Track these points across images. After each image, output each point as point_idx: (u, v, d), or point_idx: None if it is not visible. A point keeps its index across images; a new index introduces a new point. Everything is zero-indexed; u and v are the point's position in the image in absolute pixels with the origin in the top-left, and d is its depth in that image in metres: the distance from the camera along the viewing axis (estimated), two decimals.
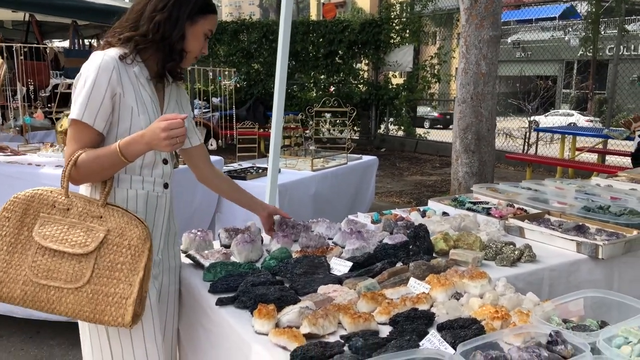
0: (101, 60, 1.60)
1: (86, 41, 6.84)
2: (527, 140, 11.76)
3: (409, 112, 12.65)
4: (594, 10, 16.72)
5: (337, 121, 8.51)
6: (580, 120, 20.84)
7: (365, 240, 2.15)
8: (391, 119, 12.72)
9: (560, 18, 28.45)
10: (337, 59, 12.45)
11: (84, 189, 1.72)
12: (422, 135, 12.33)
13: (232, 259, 2.05)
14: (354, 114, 4.91)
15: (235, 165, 4.20)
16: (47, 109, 4.86)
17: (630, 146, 7.75)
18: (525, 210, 2.61)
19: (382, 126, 12.91)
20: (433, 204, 2.82)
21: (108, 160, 1.59)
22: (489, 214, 2.56)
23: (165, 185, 1.81)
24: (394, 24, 12.06)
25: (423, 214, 2.63)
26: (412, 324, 1.45)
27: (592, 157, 8.75)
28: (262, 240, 2.20)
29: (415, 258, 1.96)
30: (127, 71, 1.64)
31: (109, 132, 1.66)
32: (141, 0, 1.71)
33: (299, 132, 5.01)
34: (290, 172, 4.04)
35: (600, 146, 8.11)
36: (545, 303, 1.51)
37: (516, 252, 2.03)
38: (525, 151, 11.36)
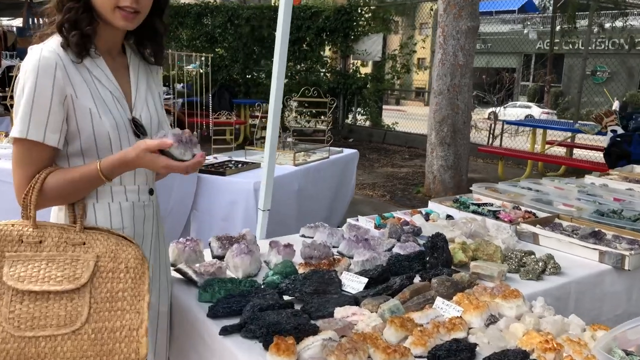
0: (39, 58, 1.27)
1: (41, 19, 6.32)
2: (492, 132, 11.82)
3: (377, 102, 12.49)
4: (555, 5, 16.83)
5: (304, 111, 8.24)
6: (537, 112, 21.26)
7: (374, 250, 1.95)
8: (359, 109, 12.53)
9: (520, 11, 28.95)
10: (304, 45, 12.13)
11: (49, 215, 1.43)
12: (390, 126, 12.21)
13: (228, 272, 1.81)
14: (334, 105, 4.69)
15: (210, 159, 3.91)
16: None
17: (599, 141, 7.86)
18: (534, 214, 2.46)
19: (350, 116, 12.72)
20: (434, 206, 2.64)
21: (86, 184, 1.34)
22: (496, 218, 2.40)
23: (151, 192, 1.54)
24: (363, 12, 11.84)
25: (426, 217, 2.45)
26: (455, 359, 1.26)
27: (559, 151, 8.83)
28: (258, 249, 1.96)
29: (435, 271, 1.77)
30: (75, 66, 1.33)
31: (70, 143, 1.35)
32: None
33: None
34: None
35: (569, 140, 8.18)
36: (602, 331, 1.34)
37: (540, 264, 1.87)
38: (490, 143, 11.41)
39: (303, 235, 2.27)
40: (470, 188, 2.85)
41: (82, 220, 1.36)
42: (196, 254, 1.87)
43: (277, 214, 3.35)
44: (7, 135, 3.33)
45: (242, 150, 4.30)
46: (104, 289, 1.28)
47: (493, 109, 13.19)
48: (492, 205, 2.59)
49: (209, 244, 1.98)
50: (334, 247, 2.07)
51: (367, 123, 12.71)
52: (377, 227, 2.30)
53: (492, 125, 11.91)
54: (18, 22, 9.03)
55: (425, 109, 18.19)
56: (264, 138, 4.71)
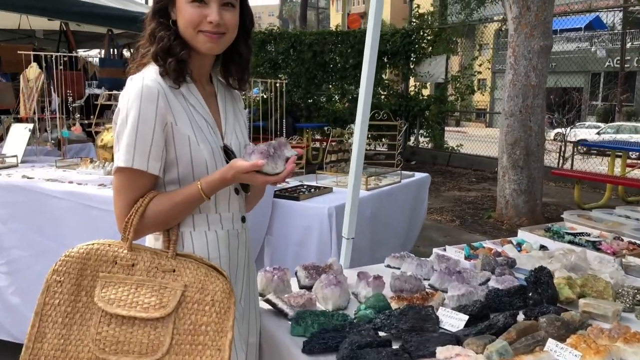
0: (141, 87, 1.28)
1: (124, 51, 6.65)
2: (562, 155, 11.31)
3: (440, 123, 12.27)
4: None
5: (369, 134, 8.17)
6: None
7: (469, 284, 1.84)
8: (421, 131, 12.34)
9: (586, 29, 27.92)
10: None
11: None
12: (455, 148, 11.94)
13: (317, 304, 1.75)
14: (405, 127, 4.60)
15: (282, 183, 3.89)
16: (81, 120, 4.63)
17: None
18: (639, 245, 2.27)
19: (412, 138, 12.56)
20: (524, 235, 2.48)
21: (187, 207, 1.35)
22: (597, 249, 2.22)
23: (243, 219, 1.53)
24: (426, 34, 11.74)
25: (518, 247, 2.30)
26: None
27: None
28: (346, 280, 1.89)
29: (541, 309, 1.64)
30: (174, 93, 1.34)
31: (168, 171, 1.35)
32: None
33: (346, 146, 4.70)
34: (343, 191, 3.72)
35: None
36: None
37: None
38: (560, 165, 10.92)
39: (388, 266, 2.18)
40: (562, 216, 2.67)
41: (174, 246, 1.35)
42: (284, 283, 1.82)
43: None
44: (92, 161, 3.45)
45: (313, 175, 4.28)
46: (187, 320, 1.26)
47: (560, 129, 12.65)
48: (589, 235, 2.41)
49: (295, 273, 1.94)
50: (424, 279, 1.97)
51: (430, 145, 12.50)
52: (467, 257, 2.18)
53: (562, 147, 11.41)
54: (94, 52, 9.56)
55: (486, 130, 17.72)
56: (333, 162, 4.69)
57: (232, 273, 1.47)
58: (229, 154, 1.44)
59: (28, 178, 3.07)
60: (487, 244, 2.35)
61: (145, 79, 1.30)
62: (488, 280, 1.95)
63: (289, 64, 12.50)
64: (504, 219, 6.47)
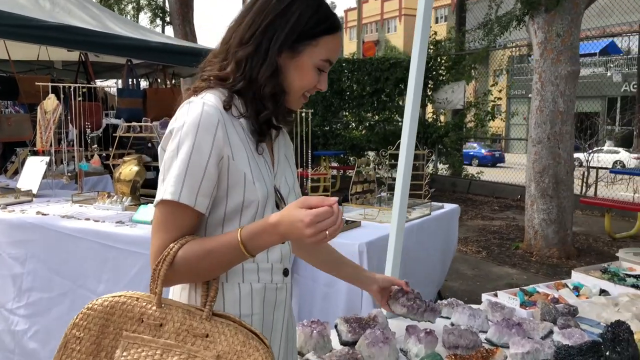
0: (201, 113, 1.12)
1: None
2: (585, 181, 11.02)
3: (459, 150, 12.09)
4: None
5: (382, 161, 8.00)
6: (629, 158, 19.82)
7: (533, 339, 1.63)
8: (440, 158, 12.16)
9: (601, 54, 27.76)
10: (383, 96, 12.04)
11: (178, 291, 1.24)
12: (475, 176, 11.72)
13: None
14: (432, 156, 4.41)
15: None
16: (99, 152, 4.54)
17: None
18: None
19: (430, 165, 12.37)
20: (580, 277, 2.27)
21: (224, 257, 1.13)
22: None
23: (285, 272, 1.32)
24: (443, 61, 11.66)
25: (576, 292, 2.09)
26: None
27: None
28: (394, 336, 1.69)
29: None
30: (233, 124, 1.17)
31: (213, 211, 1.18)
32: (233, 24, 1.26)
33: (371, 176, 4.51)
34: (371, 225, 3.53)
35: None
36: None
37: None
38: (583, 193, 10.62)
39: None
40: (617, 254, 2.45)
41: (211, 305, 1.16)
42: (324, 339, 1.63)
43: None
44: (109, 195, 3.31)
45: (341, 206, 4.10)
46: None
47: (578, 155, 12.39)
48: None
49: (335, 326, 1.74)
50: (480, 331, 1.76)
51: (449, 172, 12.30)
52: (522, 305, 1.97)
53: (586, 174, 11.13)
54: (110, 82, 9.60)
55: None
56: (359, 193, 4.50)
57: (266, 334, 1.27)
58: (278, 198, 1.27)
59: (43, 214, 2.94)
60: (542, 288, 2.13)
61: (205, 105, 1.14)
62: (551, 332, 1.74)
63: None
64: (532, 250, 6.21)
